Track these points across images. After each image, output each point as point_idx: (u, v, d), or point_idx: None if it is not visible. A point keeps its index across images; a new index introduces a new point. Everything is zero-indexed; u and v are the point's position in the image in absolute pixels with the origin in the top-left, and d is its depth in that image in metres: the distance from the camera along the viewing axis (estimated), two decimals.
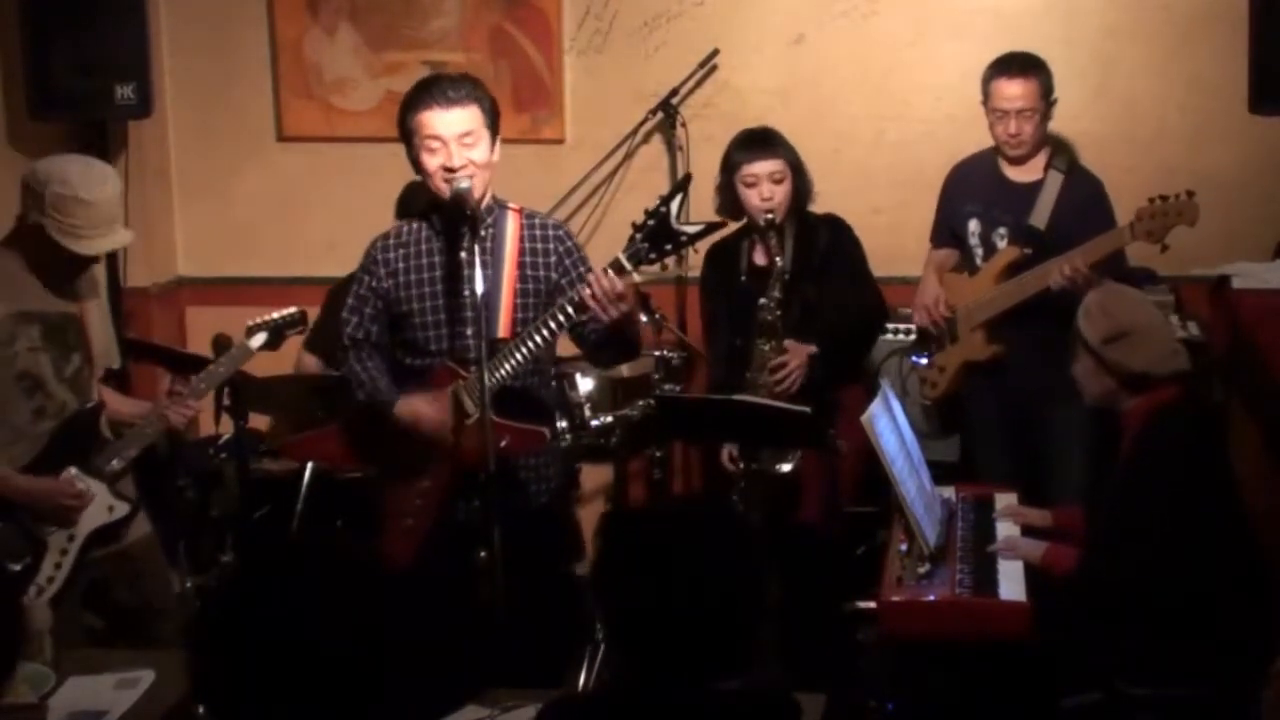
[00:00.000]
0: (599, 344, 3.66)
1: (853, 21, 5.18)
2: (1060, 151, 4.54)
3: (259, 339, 3.86)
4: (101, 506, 3.68)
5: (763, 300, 4.24)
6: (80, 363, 3.67)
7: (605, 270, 3.41)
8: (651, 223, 3.40)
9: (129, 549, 3.80)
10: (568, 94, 5.33)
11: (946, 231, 4.68)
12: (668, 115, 5.19)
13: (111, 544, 3.74)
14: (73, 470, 3.63)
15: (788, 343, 4.28)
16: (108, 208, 3.51)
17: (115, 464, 3.70)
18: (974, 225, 4.55)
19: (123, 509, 3.71)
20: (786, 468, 4.26)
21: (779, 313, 4.24)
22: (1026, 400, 4.49)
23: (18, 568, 3.56)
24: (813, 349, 4.29)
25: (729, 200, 4.33)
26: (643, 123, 5.23)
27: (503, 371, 3.51)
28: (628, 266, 3.43)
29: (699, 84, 5.22)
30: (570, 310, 3.46)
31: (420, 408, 3.63)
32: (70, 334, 3.65)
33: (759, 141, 4.32)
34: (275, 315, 3.90)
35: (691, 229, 3.42)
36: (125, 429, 3.79)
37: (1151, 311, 3.67)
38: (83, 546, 3.65)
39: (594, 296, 3.40)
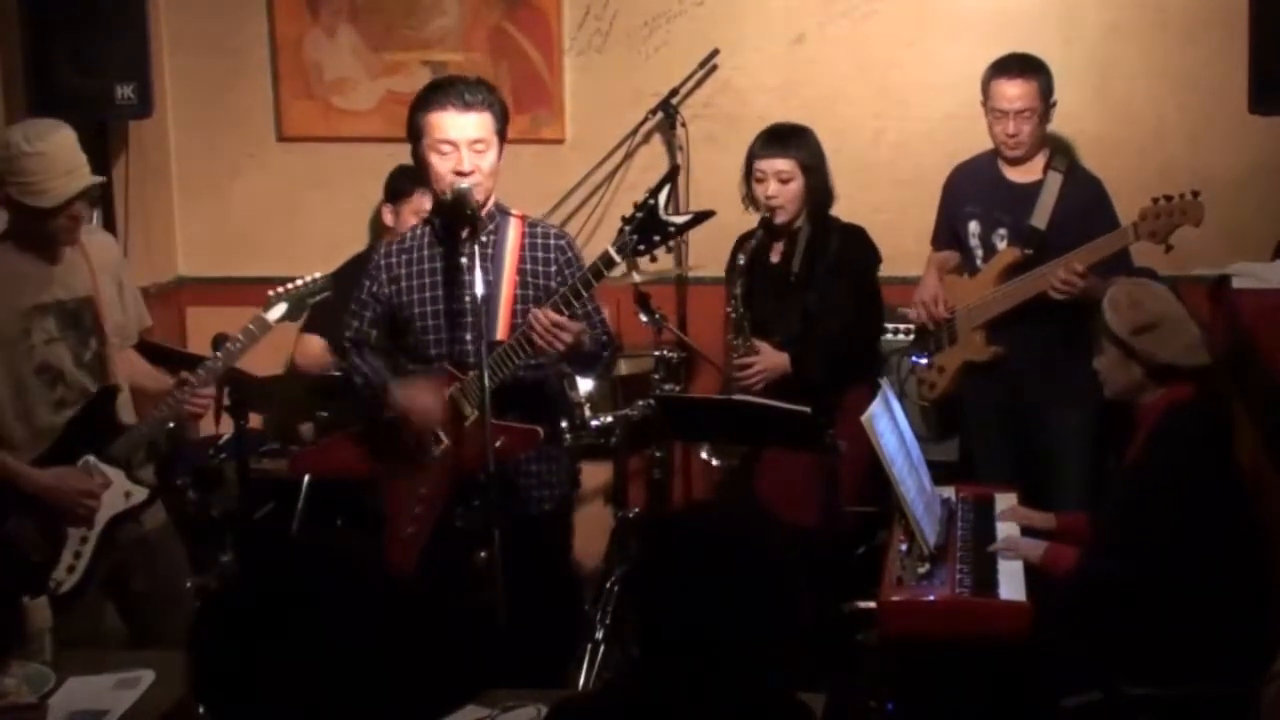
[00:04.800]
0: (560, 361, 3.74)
1: (853, 21, 5.18)
2: (1059, 152, 4.54)
3: (278, 310, 3.73)
4: (118, 493, 3.67)
5: (729, 295, 4.26)
6: (98, 346, 3.67)
7: (550, 305, 3.46)
8: (640, 215, 3.41)
9: (148, 535, 3.81)
10: (568, 94, 5.33)
11: (947, 233, 4.68)
12: (668, 115, 5.19)
13: (132, 529, 3.74)
14: (90, 459, 3.64)
15: (761, 345, 4.28)
16: (59, 156, 3.46)
17: (131, 451, 3.70)
18: (974, 226, 4.55)
19: (140, 494, 3.71)
20: (716, 462, 4.27)
21: (742, 309, 4.26)
22: (1026, 400, 4.50)
23: (38, 559, 3.57)
24: (785, 359, 4.28)
25: (750, 192, 4.36)
26: (643, 123, 5.23)
27: (501, 374, 3.52)
28: (617, 259, 3.44)
29: (699, 84, 5.22)
30: (525, 344, 3.49)
31: (413, 390, 3.65)
32: (86, 318, 3.65)
33: (776, 139, 4.33)
34: (298, 282, 3.78)
35: (679, 219, 3.43)
36: (147, 412, 3.77)
37: (1177, 304, 3.68)
38: (102, 534, 3.65)
39: (538, 334, 3.45)
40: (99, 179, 3.62)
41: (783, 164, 4.28)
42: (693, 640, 2.14)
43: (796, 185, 4.29)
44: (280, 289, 3.77)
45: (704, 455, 4.44)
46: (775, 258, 4.39)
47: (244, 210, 5.55)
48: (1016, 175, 4.51)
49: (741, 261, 4.26)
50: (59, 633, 3.19)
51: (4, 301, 3.54)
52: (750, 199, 4.37)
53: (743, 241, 4.49)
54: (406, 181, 4.72)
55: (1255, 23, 4.50)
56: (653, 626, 2.20)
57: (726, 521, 2.27)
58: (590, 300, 3.58)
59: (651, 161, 5.31)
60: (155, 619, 3.77)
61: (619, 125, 5.24)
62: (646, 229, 3.40)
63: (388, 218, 4.81)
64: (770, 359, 4.29)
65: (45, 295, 3.58)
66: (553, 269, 3.69)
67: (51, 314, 3.59)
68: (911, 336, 4.85)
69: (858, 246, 4.43)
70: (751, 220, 4.43)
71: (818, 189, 4.33)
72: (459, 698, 2.93)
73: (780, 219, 4.29)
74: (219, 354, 3.70)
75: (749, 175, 4.35)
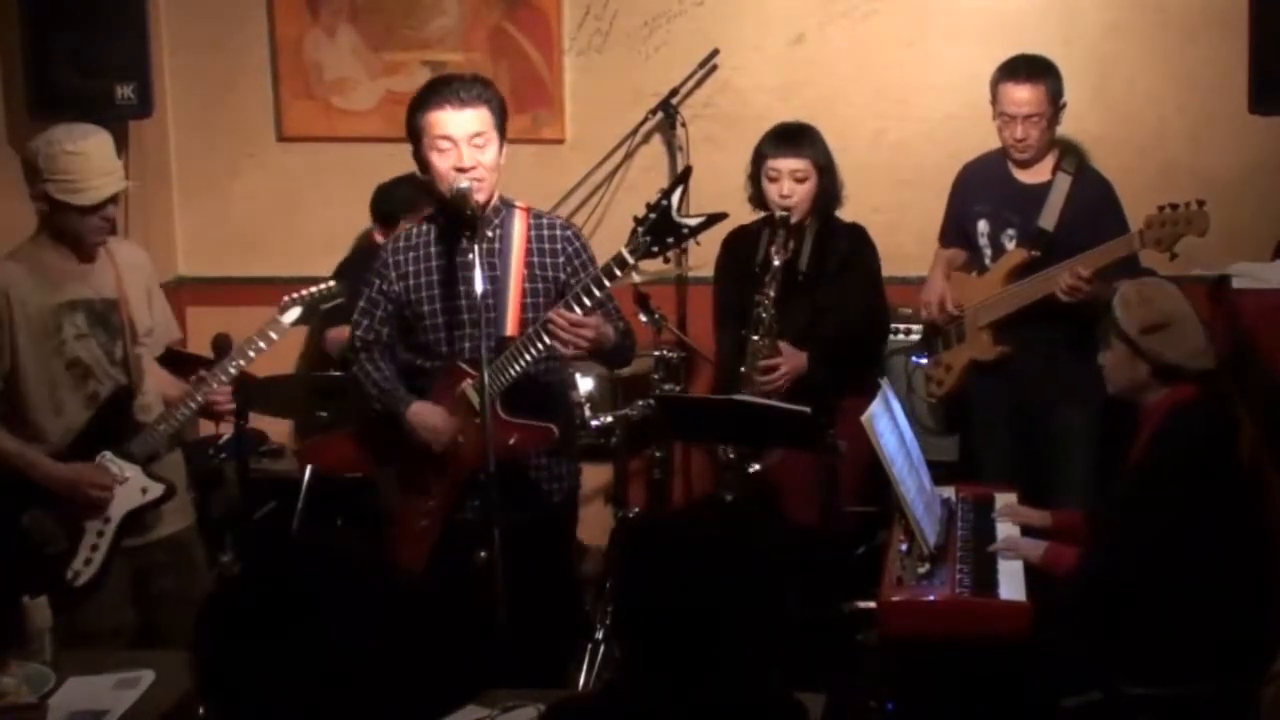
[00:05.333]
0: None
1: (853, 21, 5.18)
2: (1069, 153, 4.54)
3: (292, 314, 3.81)
4: (135, 489, 3.71)
5: (758, 295, 4.25)
6: (127, 346, 3.73)
7: (562, 305, 3.46)
8: (653, 216, 3.41)
9: (176, 537, 3.86)
10: (568, 94, 5.33)
11: (955, 231, 4.68)
12: (668, 115, 5.19)
13: (150, 528, 3.78)
14: (107, 454, 3.68)
15: (783, 346, 4.27)
16: (98, 157, 3.58)
17: (149, 448, 3.74)
18: (983, 226, 4.55)
19: (156, 490, 3.74)
20: (755, 467, 4.27)
21: (773, 311, 4.25)
22: (1032, 400, 4.49)
23: (54, 552, 3.62)
24: (805, 358, 4.28)
25: (757, 191, 4.35)
26: (643, 123, 5.23)
27: (513, 371, 3.52)
28: (630, 260, 3.44)
29: (699, 84, 5.22)
30: (542, 342, 3.49)
31: (431, 418, 3.64)
32: (113, 319, 3.72)
33: (788, 138, 4.32)
34: (311, 290, 3.86)
35: (693, 221, 3.43)
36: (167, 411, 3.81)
37: (1188, 306, 3.68)
38: (118, 529, 3.69)
39: (558, 336, 3.45)
40: (128, 184, 3.73)
41: (798, 163, 4.27)
42: (677, 642, 2.13)
43: (811, 184, 4.28)
44: (295, 294, 3.84)
45: (730, 455, 4.39)
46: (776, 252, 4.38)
47: (244, 210, 5.55)
48: (1025, 176, 4.50)
49: (777, 262, 4.23)
50: (74, 626, 3.23)
51: (35, 297, 3.62)
52: (758, 199, 4.36)
53: (736, 242, 4.48)
54: (394, 206, 4.70)
55: (1255, 23, 4.51)
56: (637, 629, 2.19)
57: (706, 523, 2.25)
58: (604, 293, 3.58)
59: (652, 162, 5.31)
60: (172, 619, 3.79)
61: (619, 125, 5.24)
62: (660, 230, 3.40)
63: (379, 239, 4.79)
64: (794, 359, 4.29)
65: (74, 293, 3.66)
66: (560, 260, 3.68)
67: (81, 310, 3.67)
68: (913, 337, 4.85)
69: (865, 244, 4.44)
70: (739, 219, 4.43)
71: (829, 188, 4.33)
72: (459, 698, 2.93)
73: (795, 218, 4.28)
74: (236, 355, 3.75)
75: (758, 175, 4.34)
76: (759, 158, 4.33)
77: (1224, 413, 3.80)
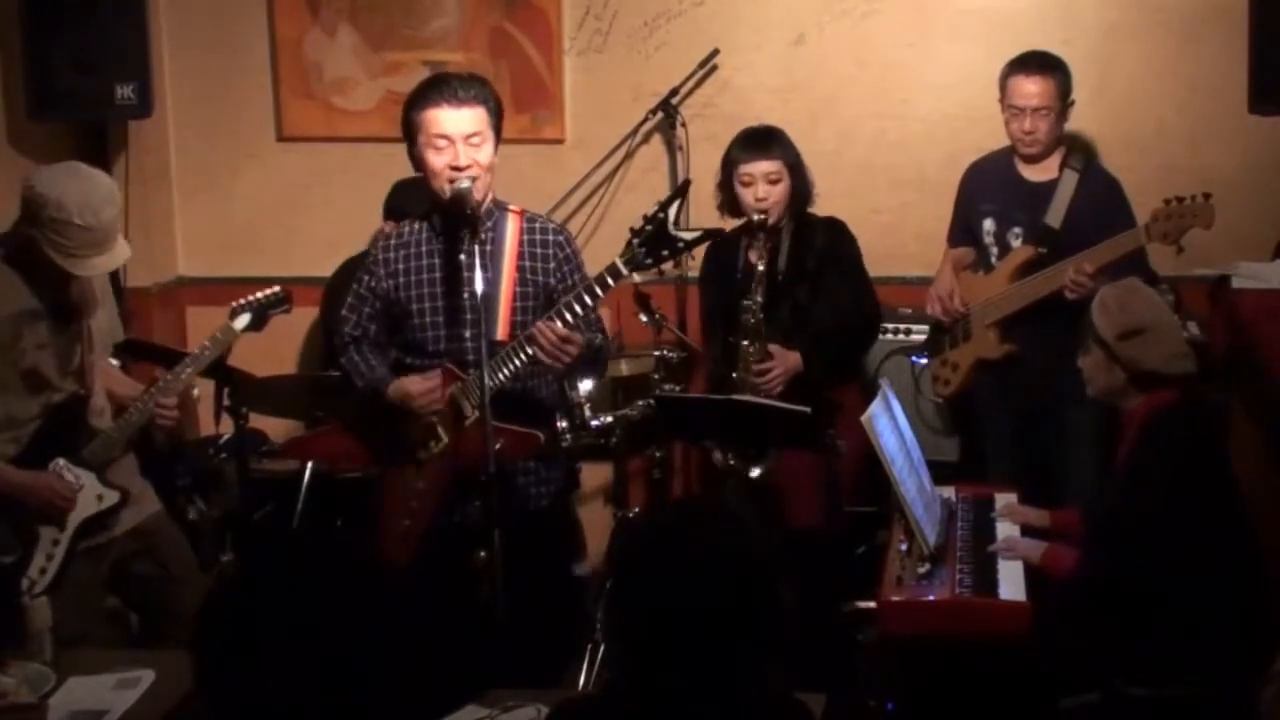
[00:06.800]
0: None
1: (853, 21, 5.18)
2: (1076, 150, 4.54)
3: (243, 320, 3.78)
4: (90, 496, 3.68)
5: (746, 301, 4.25)
6: (83, 354, 3.69)
7: (548, 319, 3.46)
8: (649, 228, 3.40)
9: (141, 526, 3.82)
10: (568, 94, 5.33)
11: (963, 231, 4.68)
12: (668, 115, 5.19)
13: (110, 528, 3.75)
14: (60, 461, 3.64)
15: (774, 348, 4.28)
16: (105, 229, 3.48)
17: (103, 454, 3.70)
18: (989, 224, 4.55)
19: (112, 497, 3.71)
20: (756, 472, 4.26)
21: (761, 315, 4.25)
22: (1038, 399, 4.49)
23: (9, 560, 3.57)
24: (798, 357, 4.29)
25: (729, 197, 4.34)
26: (643, 123, 5.23)
27: (500, 376, 3.52)
28: (624, 272, 3.44)
29: (699, 84, 5.22)
30: (526, 352, 3.49)
31: (409, 383, 3.65)
32: (73, 325, 3.67)
33: (757, 141, 4.32)
34: (259, 295, 3.83)
35: (688, 235, 3.43)
36: (118, 417, 3.77)
37: (1167, 312, 3.67)
38: (73, 537, 3.65)
39: (543, 349, 3.45)
40: (125, 254, 3.62)
41: (769, 165, 4.27)
42: (668, 643, 2.12)
43: (784, 185, 4.29)
44: (245, 299, 3.81)
45: (730, 461, 4.37)
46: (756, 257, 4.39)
47: (244, 210, 5.55)
48: (1032, 173, 4.50)
49: (761, 267, 4.24)
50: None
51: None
52: (729, 204, 4.36)
53: (718, 250, 4.47)
54: (410, 201, 4.69)
55: (1255, 23, 4.51)
56: (632, 630, 2.19)
57: (697, 522, 2.25)
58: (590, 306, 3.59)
59: (652, 162, 5.31)
60: (166, 598, 3.79)
61: (619, 125, 5.24)
62: (655, 243, 3.40)
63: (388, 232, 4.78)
64: (787, 360, 4.29)
65: (36, 301, 3.59)
66: (551, 265, 3.69)
67: (42, 319, 3.60)
68: (915, 337, 4.85)
69: (842, 236, 4.44)
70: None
71: (800, 187, 4.34)
72: (459, 698, 2.94)
73: (771, 220, 4.28)
74: (187, 363, 3.72)
75: (729, 181, 4.33)
76: (729, 164, 4.32)
77: (1206, 416, 3.78)
